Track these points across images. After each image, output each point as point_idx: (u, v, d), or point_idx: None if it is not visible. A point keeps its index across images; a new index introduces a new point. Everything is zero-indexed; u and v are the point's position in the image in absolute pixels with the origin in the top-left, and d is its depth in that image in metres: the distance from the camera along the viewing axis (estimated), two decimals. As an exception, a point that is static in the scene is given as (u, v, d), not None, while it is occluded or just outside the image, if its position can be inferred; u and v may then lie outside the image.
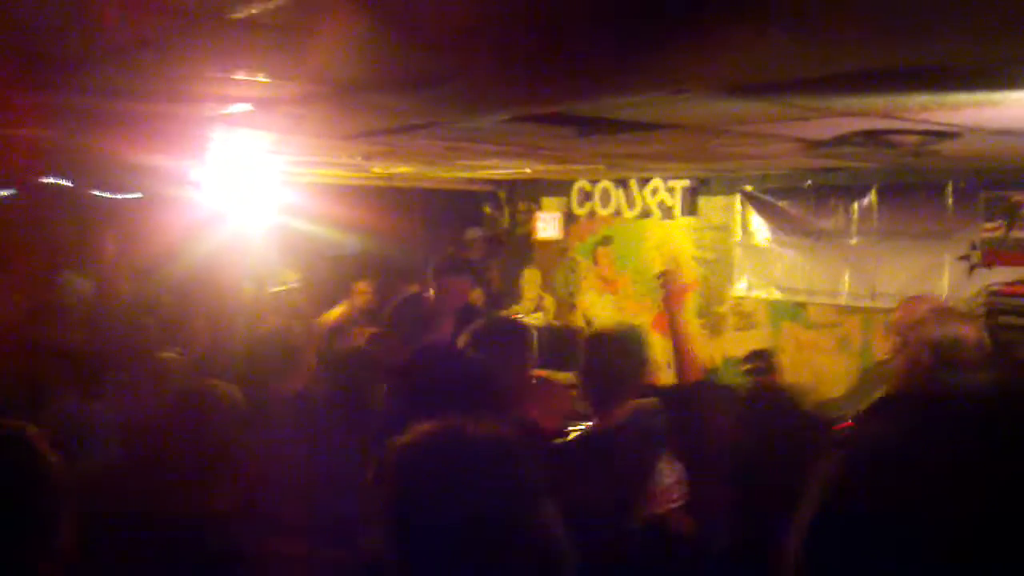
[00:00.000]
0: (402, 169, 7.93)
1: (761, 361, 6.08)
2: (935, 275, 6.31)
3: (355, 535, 2.49)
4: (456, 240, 9.29)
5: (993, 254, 6.21)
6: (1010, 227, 6.11)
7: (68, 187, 6.43)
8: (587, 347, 3.75)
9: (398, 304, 5.59)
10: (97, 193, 6.59)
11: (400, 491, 1.76)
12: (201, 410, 2.95)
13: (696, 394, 3.77)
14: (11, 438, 2.07)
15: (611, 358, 3.62)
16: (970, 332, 3.48)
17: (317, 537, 2.89)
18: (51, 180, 6.43)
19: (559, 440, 3.66)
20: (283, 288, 7.40)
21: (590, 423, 3.72)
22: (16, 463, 2.02)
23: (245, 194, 7.04)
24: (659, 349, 5.41)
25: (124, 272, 6.67)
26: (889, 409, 0.91)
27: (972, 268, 6.30)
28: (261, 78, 3.18)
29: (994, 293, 5.31)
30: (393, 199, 9.12)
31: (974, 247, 6.31)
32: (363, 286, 7.93)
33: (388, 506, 1.75)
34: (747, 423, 2.98)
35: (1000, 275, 5.83)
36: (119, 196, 6.62)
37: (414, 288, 6.29)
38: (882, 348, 6.81)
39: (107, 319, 5.46)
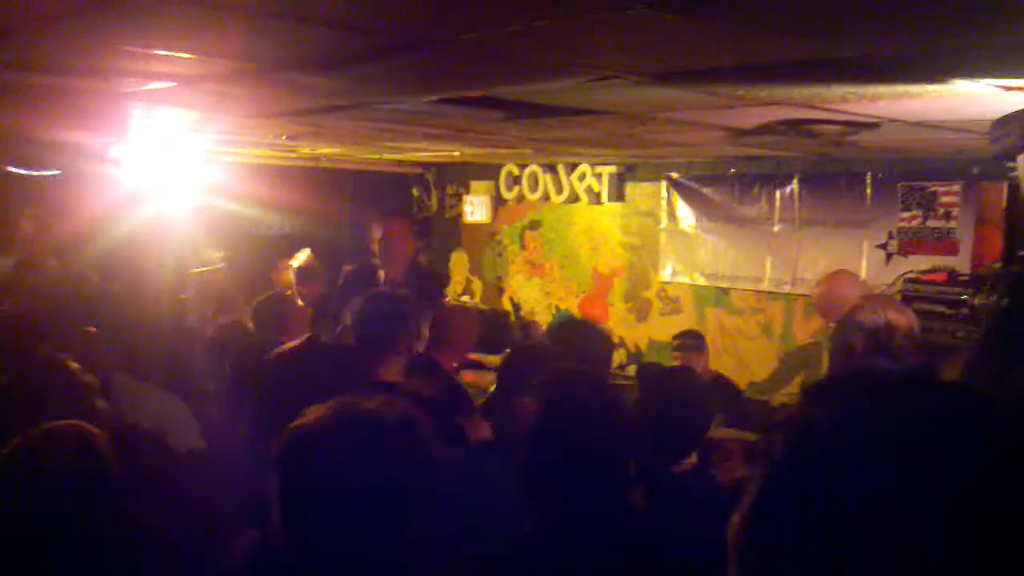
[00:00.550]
0: (328, 150, 7.86)
1: (692, 339, 6.18)
2: (854, 262, 6.45)
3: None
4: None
5: (909, 242, 6.37)
6: (926, 217, 6.27)
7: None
8: (554, 332, 3.83)
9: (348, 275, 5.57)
10: (14, 170, 6.41)
11: (298, 473, 1.73)
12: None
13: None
14: None
15: (576, 342, 3.73)
16: (902, 319, 3.57)
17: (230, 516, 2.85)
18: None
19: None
20: (206, 268, 7.29)
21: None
22: None
23: (168, 172, 6.91)
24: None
25: (47, 249, 6.50)
26: (827, 393, 0.92)
27: (889, 256, 6.46)
28: (183, 54, 3.12)
29: (910, 280, 5.43)
30: (321, 180, 9.02)
31: (891, 236, 6.47)
32: (288, 263, 7.86)
33: (285, 488, 1.73)
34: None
35: (916, 263, 5.97)
36: (37, 173, 6.46)
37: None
38: (803, 332, 6.96)
39: (32, 294, 5.32)
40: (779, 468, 0.85)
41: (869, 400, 0.86)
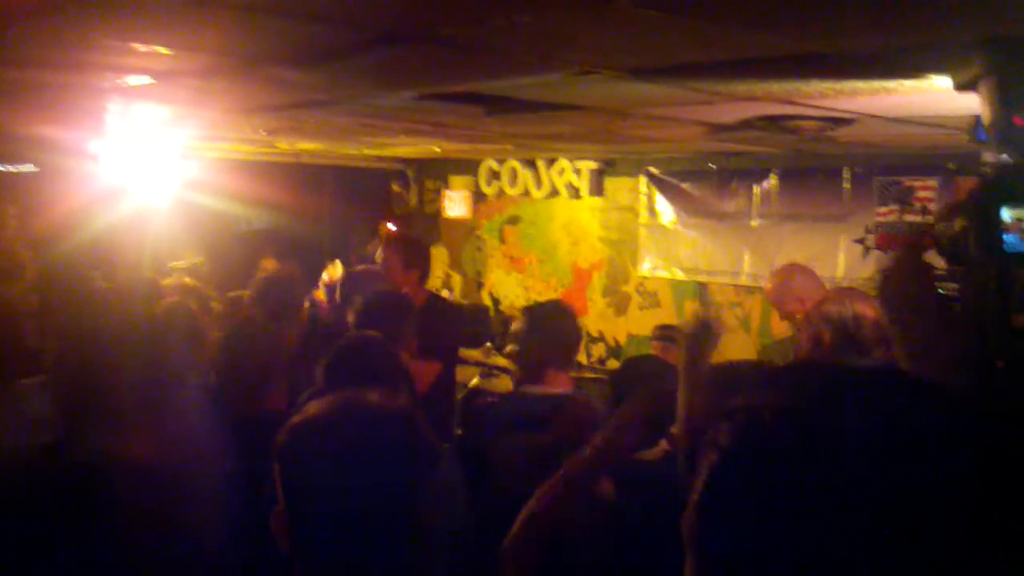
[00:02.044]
0: (308, 146, 7.83)
1: (671, 332, 6.18)
2: (831, 257, 6.49)
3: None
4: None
5: (887, 237, 6.37)
6: (903, 211, 6.31)
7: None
8: (525, 318, 3.82)
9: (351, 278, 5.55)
10: (-10, 165, 6.37)
11: (294, 468, 1.74)
12: None
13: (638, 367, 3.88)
14: None
15: (550, 326, 3.72)
16: (869, 311, 3.59)
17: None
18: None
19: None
20: (185, 264, 7.25)
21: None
22: None
23: (146, 168, 6.87)
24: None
25: (24, 243, 6.45)
26: (771, 382, 0.93)
27: (867, 251, 6.48)
28: (161, 49, 3.11)
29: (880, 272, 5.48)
30: (300, 175, 8.99)
31: (869, 230, 6.48)
32: (268, 264, 7.83)
33: (283, 484, 1.74)
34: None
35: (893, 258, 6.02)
36: (13, 168, 6.41)
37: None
38: (781, 326, 6.99)
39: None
40: (726, 458, 0.85)
41: (811, 387, 0.86)
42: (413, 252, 5.27)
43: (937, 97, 3.37)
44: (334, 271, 6.18)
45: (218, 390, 3.42)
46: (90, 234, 5.93)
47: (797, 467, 0.79)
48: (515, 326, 3.76)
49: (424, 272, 5.26)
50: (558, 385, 3.65)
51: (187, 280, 5.49)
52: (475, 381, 6.36)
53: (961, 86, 2.56)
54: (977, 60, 2.34)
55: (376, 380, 2.80)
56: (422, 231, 9.83)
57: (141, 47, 3.07)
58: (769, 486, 0.80)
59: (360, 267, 5.88)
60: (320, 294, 6.25)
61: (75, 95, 4.25)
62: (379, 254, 5.27)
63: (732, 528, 0.83)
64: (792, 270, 4.73)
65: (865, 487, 0.77)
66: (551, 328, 3.72)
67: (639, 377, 3.60)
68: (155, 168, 6.93)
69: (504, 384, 5.91)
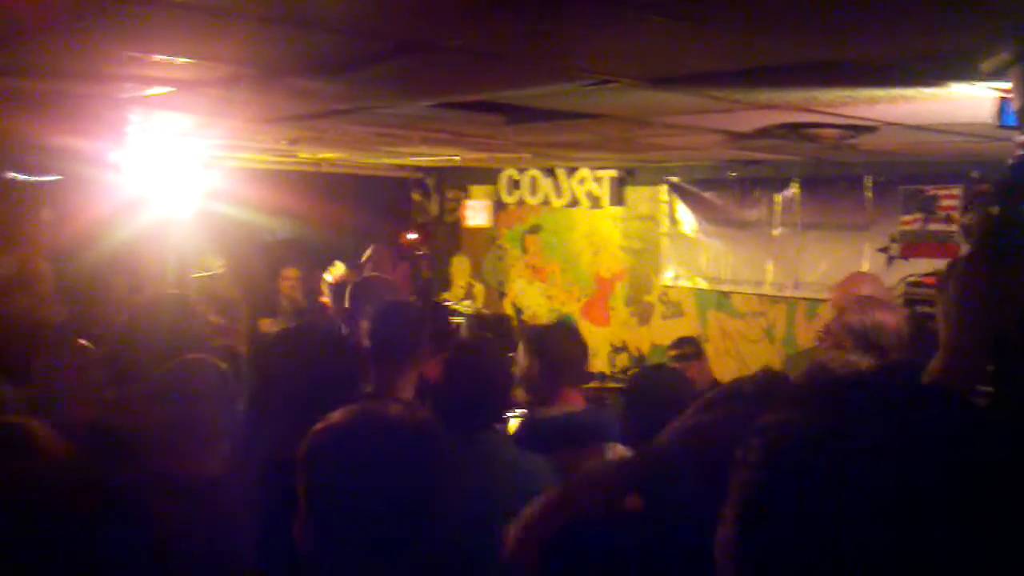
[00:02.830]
0: (329, 155, 7.86)
1: (689, 347, 6.14)
2: (855, 266, 6.44)
3: None
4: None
5: (911, 246, 6.36)
6: (927, 220, 6.27)
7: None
8: (531, 338, 3.83)
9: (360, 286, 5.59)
10: (14, 176, 6.42)
11: (316, 475, 1.75)
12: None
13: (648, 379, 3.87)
14: None
15: (556, 347, 3.72)
16: (890, 318, 3.57)
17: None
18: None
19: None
20: (207, 274, 7.28)
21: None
22: None
23: (168, 177, 6.91)
24: (590, 338, 5.46)
25: (46, 253, 6.47)
26: (795, 397, 0.92)
27: (891, 259, 6.45)
28: (181, 60, 3.13)
29: (912, 284, 5.42)
30: (321, 185, 9.03)
31: (893, 239, 6.46)
32: (290, 272, 7.86)
33: (305, 490, 1.75)
34: None
35: (917, 267, 5.97)
36: (37, 179, 6.47)
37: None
38: (806, 336, 6.95)
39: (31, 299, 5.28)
40: (759, 475, 0.85)
41: (834, 402, 0.86)
42: (400, 248, 5.40)
43: (959, 105, 3.35)
44: (336, 271, 6.21)
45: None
46: (113, 244, 5.97)
47: (830, 482, 0.79)
48: (520, 353, 3.77)
49: (415, 265, 5.38)
50: (573, 404, 3.65)
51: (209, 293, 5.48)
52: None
53: (990, 74, 2.52)
54: (1007, 47, 2.31)
55: None
56: (443, 240, 9.85)
57: (163, 58, 3.10)
58: (803, 502, 0.80)
59: (370, 274, 5.88)
60: (326, 299, 6.27)
61: (98, 105, 4.28)
62: (368, 268, 5.30)
63: (770, 545, 0.83)
64: (859, 279, 4.71)
65: (896, 500, 0.77)
66: (556, 350, 3.72)
67: (652, 388, 3.60)
68: (177, 178, 6.97)
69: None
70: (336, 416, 1.79)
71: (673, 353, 6.12)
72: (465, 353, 3.58)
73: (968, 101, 3.23)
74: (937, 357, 1.67)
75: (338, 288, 5.98)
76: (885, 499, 0.78)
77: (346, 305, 5.20)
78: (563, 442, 3.36)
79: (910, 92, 3.16)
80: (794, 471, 0.82)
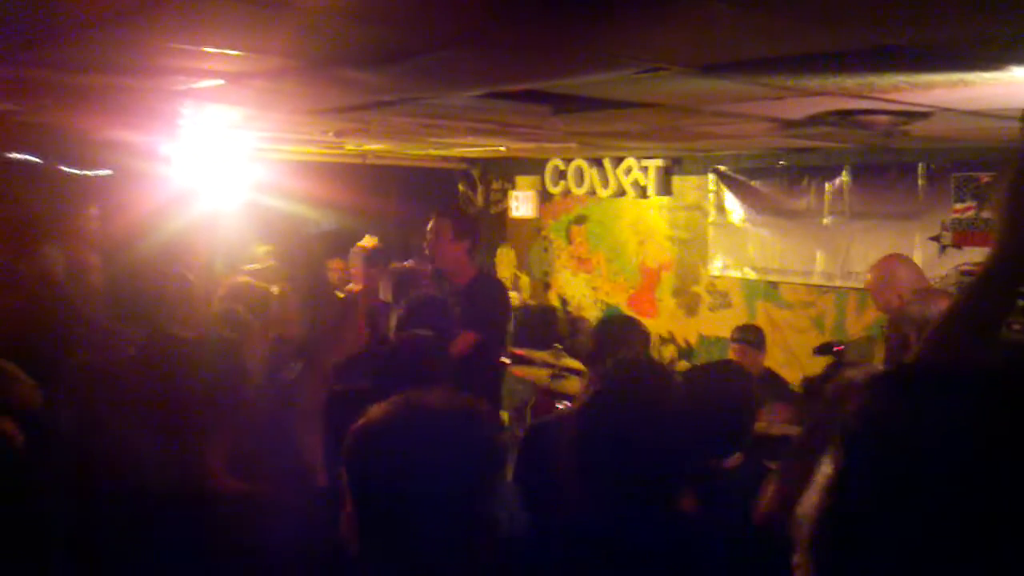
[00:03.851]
0: (375, 147, 7.89)
1: (754, 335, 6.10)
2: (906, 255, 6.35)
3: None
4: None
5: (963, 235, 6.26)
6: (980, 208, 6.16)
7: (40, 164, 6.34)
8: (597, 330, 4.12)
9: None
10: (67, 169, 6.50)
11: (361, 471, 1.75)
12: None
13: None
14: None
15: (620, 337, 3.89)
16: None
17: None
18: (21, 156, 6.34)
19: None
20: (257, 266, 7.34)
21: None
22: None
23: (217, 170, 6.98)
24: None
25: (96, 247, 6.55)
26: (895, 384, 0.92)
27: (943, 248, 6.36)
28: (232, 52, 3.14)
29: (964, 273, 5.34)
30: (367, 177, 9.06)
31: (945, 227, 6.36)
32: (337, 264, 7.89)
33: (351, 486, 1.75)
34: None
35: (970, 255, 5.88)
36: (90, 172, 6.55)
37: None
38: (856, 326, 6.87)
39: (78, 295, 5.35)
40: (857, 461, 0.85)
41: (942, 391, 0.85)
42: (464, 223, 5.38)
43: (1016, 88, 3.29)
44: (370, 241, 6.15)
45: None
46: (164, 236, 6.03)
47: (917, 472, 0.80)
48: (589, 340, 3.97)
49: (474, 244, 5.36)
50: None
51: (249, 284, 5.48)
52: (545, 382, 6.35)
53: None
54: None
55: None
56: (488, 231, 9.85)
57: (212, 50, 3.11)
58: (893, 493, 0.81)
59: (408, 263, 5.88)
60: (355, 285, 6.18)
61: (149, 99, 4.33)
62: (429, 238, 5.37)
63: (860, 533, 0.83)
64: (893, 261, 4.68)
65: (994, 489, 0.78)
66: (624, 338, 3.90)
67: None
68: (225, 170, 7.04)
69: (574, 386, 5.89)
70: (376, 410, 1.78)
71: (737, 336, 6.08)
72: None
73: (1026, 85, 3.17)
74: (990, 249, 1.65)
75: (371, 255, 5.94)
76: (966, 486, 0.78)
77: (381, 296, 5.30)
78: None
79: (969, 76, 3.11)
80: (880, 460, 0.83)
